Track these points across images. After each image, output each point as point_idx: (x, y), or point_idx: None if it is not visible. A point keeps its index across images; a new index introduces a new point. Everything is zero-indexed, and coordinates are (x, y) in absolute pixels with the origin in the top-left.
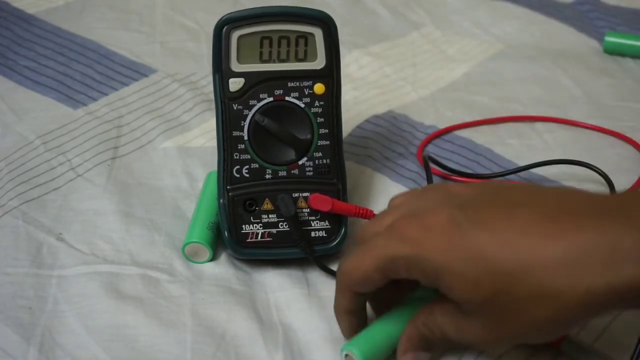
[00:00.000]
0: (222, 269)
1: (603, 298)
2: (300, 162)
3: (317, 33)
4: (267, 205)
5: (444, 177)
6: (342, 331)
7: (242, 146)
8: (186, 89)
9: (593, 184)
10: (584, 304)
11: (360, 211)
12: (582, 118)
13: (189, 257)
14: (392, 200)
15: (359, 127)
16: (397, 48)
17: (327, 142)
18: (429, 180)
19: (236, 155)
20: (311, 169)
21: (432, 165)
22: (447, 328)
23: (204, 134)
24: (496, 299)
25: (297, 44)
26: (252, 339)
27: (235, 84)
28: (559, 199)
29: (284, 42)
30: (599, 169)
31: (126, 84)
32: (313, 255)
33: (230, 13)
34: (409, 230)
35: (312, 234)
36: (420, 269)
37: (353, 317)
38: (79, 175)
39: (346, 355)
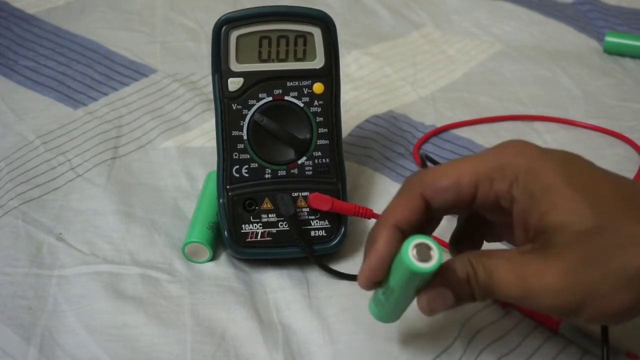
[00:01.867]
0: (222, 268)
1: None
2: (299, 162)
3: (316, 32)
4: (267, 204)
5: None
6: (372, 253)
7: (242, 146)
8: (186, 89)
9: None
10: None
11: (360, 210)
12: (582, 118)
13: (189, 257)
14: None
15: (359, 127)
16: (397, 48)
17: (327, 142)
18: None
19: (235, 155)
20: (310, 168)
21: (429, 164)
22: (502, 277)
23: (204, 134)
24: (599, 231)
25: (296, 44)
26: (252, 339)
27: (234, 84)
28: None
29: (282, 41)
30: None
31: (126, 84)
32: (313, 254)
33: (229, 13)
34: (528, 148)
35: (312, 233)
36: (528, 182)
37: (398, 236)
38: (79, 175)
39: (417, 246)
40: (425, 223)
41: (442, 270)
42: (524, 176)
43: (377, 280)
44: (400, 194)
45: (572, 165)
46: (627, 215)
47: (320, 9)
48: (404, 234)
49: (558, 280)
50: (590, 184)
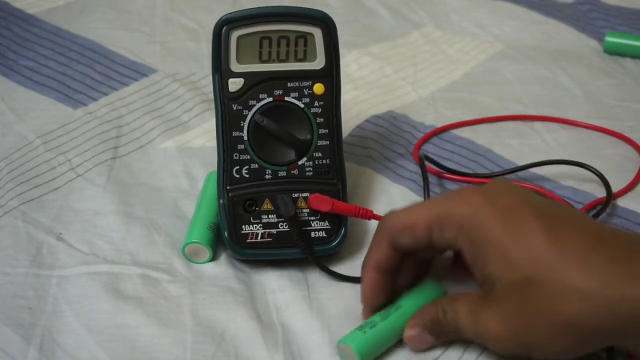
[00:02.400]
0: (222, 269)
1: (633, 306)
2: (300, 163)
3: (317, 33)
4: (267, 205)
5: (439, 176)
6: (363, 289)
7: (242, 146)
8: (186, 89)
9: (592, 184)
10: (611, 310)
11: (360, 211)
12: (582, 118)
13: (189, 257)
14: None
15: (359, 127)
16: (397, 48)
17: (327, 142)
18: (425, 179)
19: (236, 156)
20: (311, 169)
21: (427, 164)
22: (463, 318)
23: (204, 134)
24: (531, 282)
25: (296, 44)
26: (252, 339)
27: (234, 84)
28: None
29: (283, 42)
30: (595, 169)
31: (126, 84)
32: (313, 255)
33: (230, 13)
34: (475, 197)
35: (312, 234)
36: (470, 232)
37: (380, 274)
38: (79, 175)
39: (342, 348)
40: (417, 254)
41: (422, 314)
42: (467, 225)
43: (375, 306)
44: (374, 237)
45: (512, 214)
46: (559, 265)
47: (321, 9)
48: (385, 271)
49: (498, 327)
50: (526, 234)
